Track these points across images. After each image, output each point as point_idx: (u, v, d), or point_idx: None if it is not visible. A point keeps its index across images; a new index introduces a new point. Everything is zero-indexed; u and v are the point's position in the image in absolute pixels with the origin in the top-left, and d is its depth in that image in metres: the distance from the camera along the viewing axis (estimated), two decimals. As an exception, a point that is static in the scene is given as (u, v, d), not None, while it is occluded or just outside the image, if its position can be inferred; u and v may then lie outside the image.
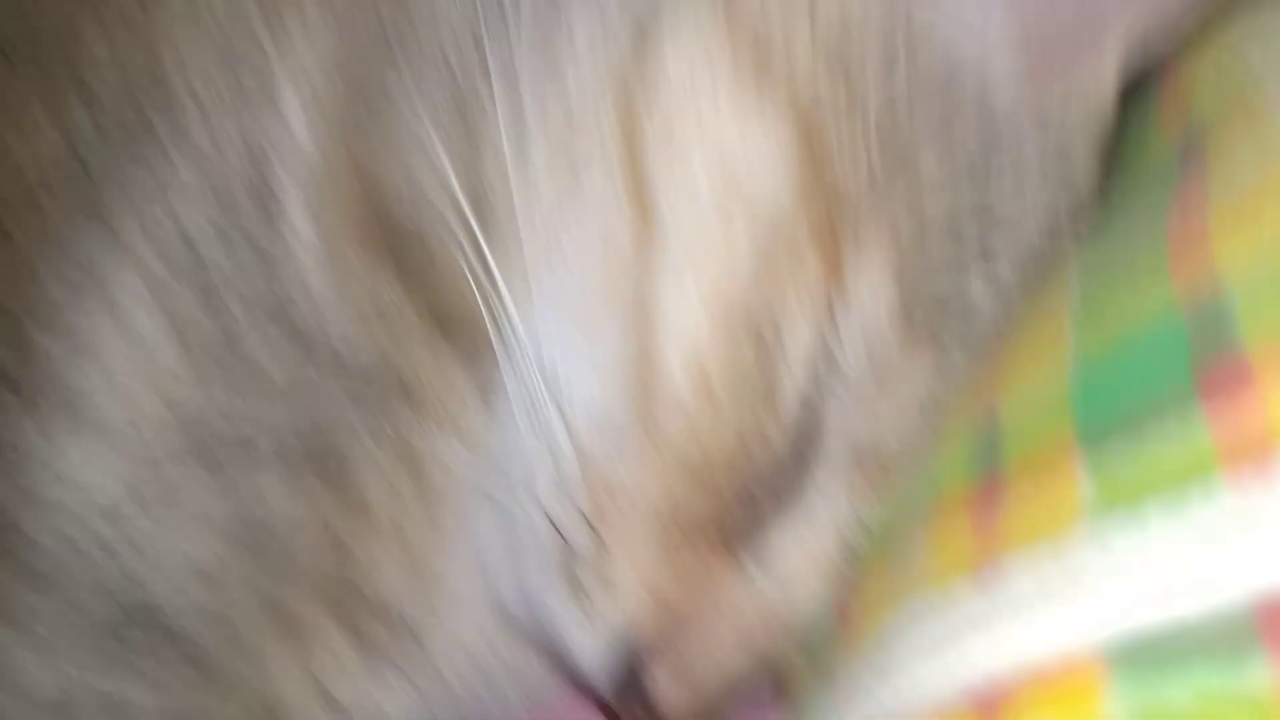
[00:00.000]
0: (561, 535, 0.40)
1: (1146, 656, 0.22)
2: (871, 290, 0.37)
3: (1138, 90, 0.40)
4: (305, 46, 0.43)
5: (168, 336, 0.41)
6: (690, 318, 0.38)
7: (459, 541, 0.45)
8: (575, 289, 0.40)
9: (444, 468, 0.44)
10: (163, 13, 0.43)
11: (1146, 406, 0.25)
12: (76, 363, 0.41)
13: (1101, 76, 0.38)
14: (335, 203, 0.42)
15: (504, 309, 0.41)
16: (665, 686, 0.40)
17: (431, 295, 0.43)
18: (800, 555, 0.41)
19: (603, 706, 0.47)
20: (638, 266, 0.39)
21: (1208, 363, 0.25)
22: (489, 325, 0.41)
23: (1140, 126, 0.40)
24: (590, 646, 0.40)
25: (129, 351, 0.41)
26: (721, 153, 0.38)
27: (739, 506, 0.40)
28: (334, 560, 0.43)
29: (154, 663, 0.42)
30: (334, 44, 0.43)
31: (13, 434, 0.41)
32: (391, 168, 0.42)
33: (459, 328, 0.44)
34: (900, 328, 0.37)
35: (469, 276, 0.41)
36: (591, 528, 0.40)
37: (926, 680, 0.27)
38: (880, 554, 0.36)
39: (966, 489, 0.31)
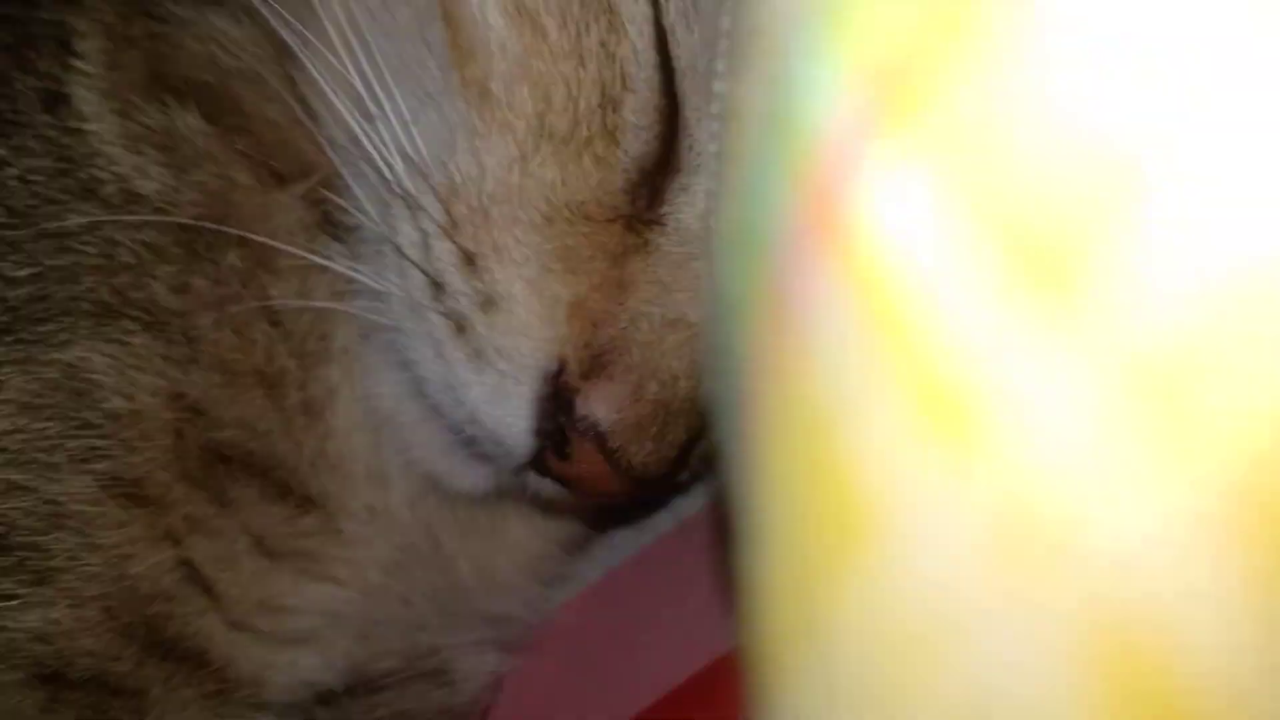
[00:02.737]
0: (443, 291, 0.33)
1: None
2: None
3: None
4: None
5: None
6: None
7: (345, 387, 0.38)
8: (390, 45, 0.35)
9: (301, 298, 0.37)
10: None
11: None
12: None
13: None
14: (125, 83, 0.37)
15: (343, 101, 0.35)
16: (606, 403, 0.32)
17: (247, 140, 0.37)
18: (708, 202, 0.32)
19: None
20: None
21: None
22: (316, 132, 0.37)
23: None
24: (514, 409, 0.33)
25: None
26: None
27: (617, 166, 0.32)
28: (179, 420, 0.36)
29: None
30: None
31: None
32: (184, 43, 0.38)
33: (283, 165, 0.38)
34: None
35: (285, 93, 0.37)
36: (469, 258, 0.33)
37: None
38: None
39: None
